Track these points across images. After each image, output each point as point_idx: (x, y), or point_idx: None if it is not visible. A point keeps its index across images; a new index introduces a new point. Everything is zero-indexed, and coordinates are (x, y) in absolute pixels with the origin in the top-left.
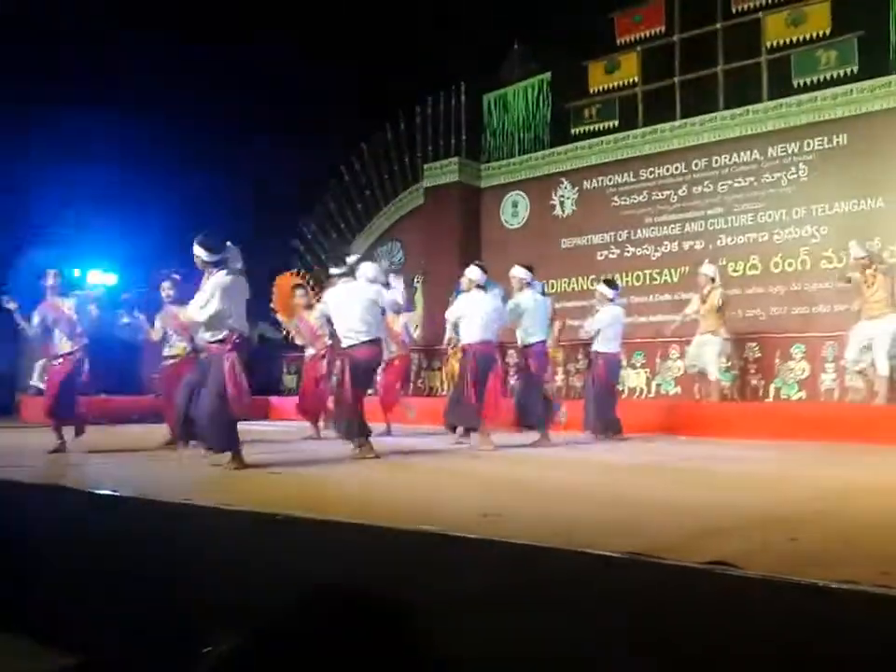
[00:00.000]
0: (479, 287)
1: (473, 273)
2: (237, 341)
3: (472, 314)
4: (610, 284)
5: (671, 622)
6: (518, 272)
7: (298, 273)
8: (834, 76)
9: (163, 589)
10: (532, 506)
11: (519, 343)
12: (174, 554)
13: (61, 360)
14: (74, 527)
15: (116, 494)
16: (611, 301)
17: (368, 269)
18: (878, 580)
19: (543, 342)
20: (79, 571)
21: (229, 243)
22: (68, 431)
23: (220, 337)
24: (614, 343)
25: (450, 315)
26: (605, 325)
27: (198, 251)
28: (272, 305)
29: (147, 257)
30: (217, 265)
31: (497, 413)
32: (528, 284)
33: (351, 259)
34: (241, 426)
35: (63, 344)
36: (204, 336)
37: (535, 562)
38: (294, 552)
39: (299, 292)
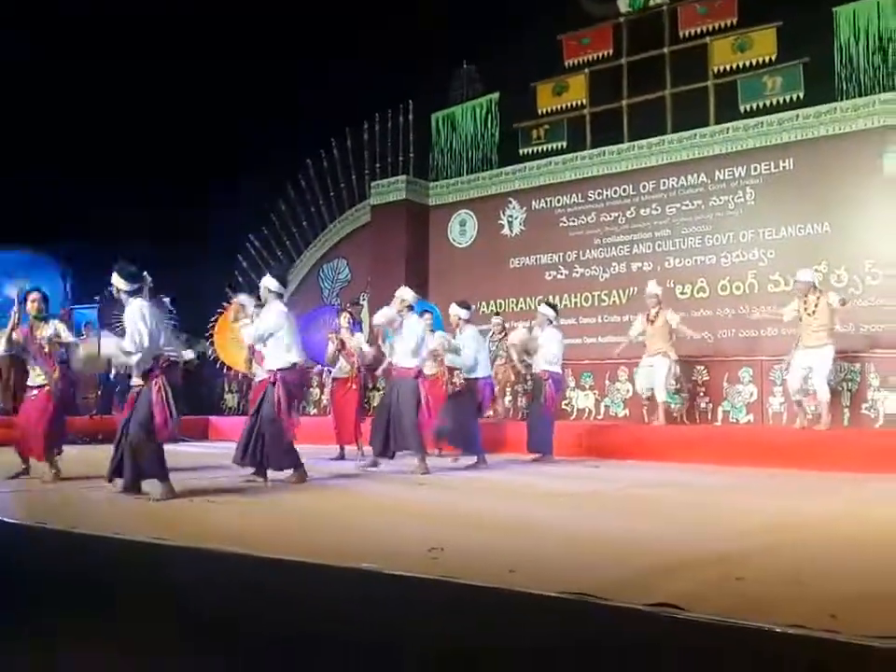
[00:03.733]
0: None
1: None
2: (164, 365)
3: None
4: (553, 306)
5: (618, 666)
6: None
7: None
8: (780, 101)
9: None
10: (476, 540)
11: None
12: (102, 591)
13: (35, 393)
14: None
15: (41, 525)
16: (551, 323)
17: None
18: (826, 623)
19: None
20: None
21: (145, 273)
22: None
23: (150, 365)
24: (559, 363)
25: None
26: (558, 345)
27: (116, 280)
28: (211, 331)
29: (83, 267)
30: (133, 294)
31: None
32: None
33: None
34: (180, 447)
35: (35, 377)
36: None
37: (478, 603)
38: (229, 589)
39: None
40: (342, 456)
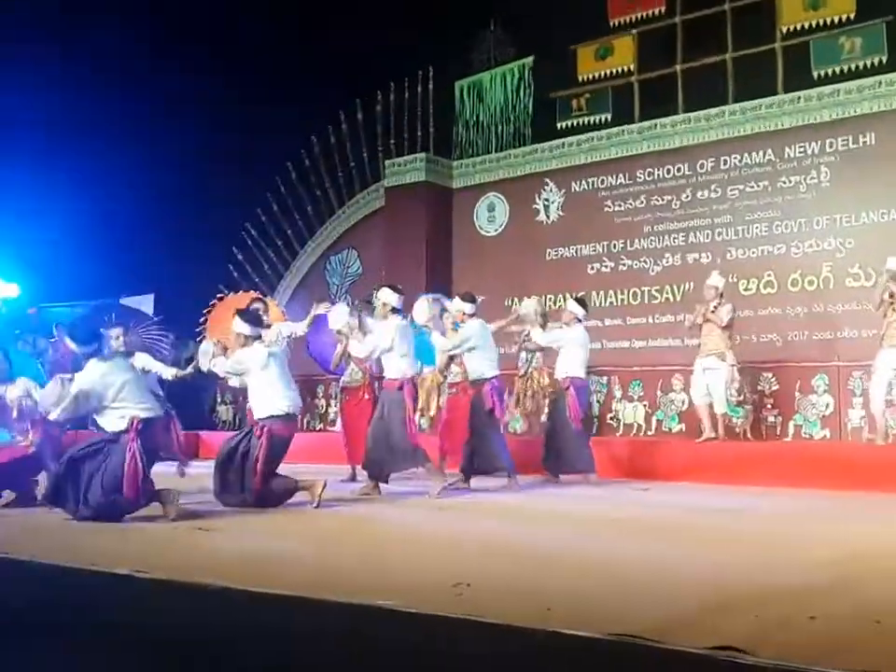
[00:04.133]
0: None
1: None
2: (138, 426)
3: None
4: (581, 303)
5: None
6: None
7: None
8: (860, 66)
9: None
10: (506, 573)
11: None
12: (83, 628)
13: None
14: None
15: (12, 558)
16: (580, 322)
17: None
18: None
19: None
20: None
21: (102, 330)
22: None
23: (124, 427)
24: (583, 368)
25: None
26: (574, 344)
27: (70, 344)
28: (203, 325)
29: (56, 262)
30: (90, 355)
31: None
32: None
33: None
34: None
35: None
36: (106, 427)
37: (510, 645)
38: (225, 628)
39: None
40: (353, 478)
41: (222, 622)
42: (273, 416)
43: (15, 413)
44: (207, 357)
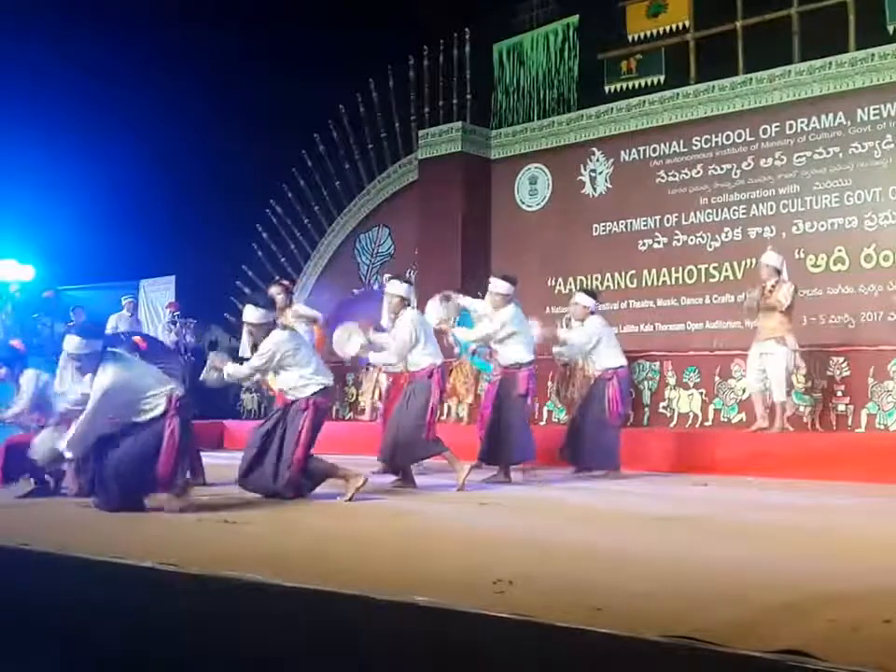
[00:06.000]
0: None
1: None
2: (177, 404)
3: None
4: (591, 293)
5: None
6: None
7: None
8: None
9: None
10: (551, 571)
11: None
12: (101, 626)
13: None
14: None
15: (30, 548)
16: (592, 313)
17: None
18: None
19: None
20: None
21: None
22: None
23: (163, 408)
24: (622, 355)
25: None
26: (600, 335)
27: (71, 346)
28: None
29: (73, 243)
30: (96, 357)
31: None
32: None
33: None
34: None
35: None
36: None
37: (559, 646)
38: (255, 626)
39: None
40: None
41: (253, 617)
42: (316, 392)
43: (29, 411)
44: (211, 371)
